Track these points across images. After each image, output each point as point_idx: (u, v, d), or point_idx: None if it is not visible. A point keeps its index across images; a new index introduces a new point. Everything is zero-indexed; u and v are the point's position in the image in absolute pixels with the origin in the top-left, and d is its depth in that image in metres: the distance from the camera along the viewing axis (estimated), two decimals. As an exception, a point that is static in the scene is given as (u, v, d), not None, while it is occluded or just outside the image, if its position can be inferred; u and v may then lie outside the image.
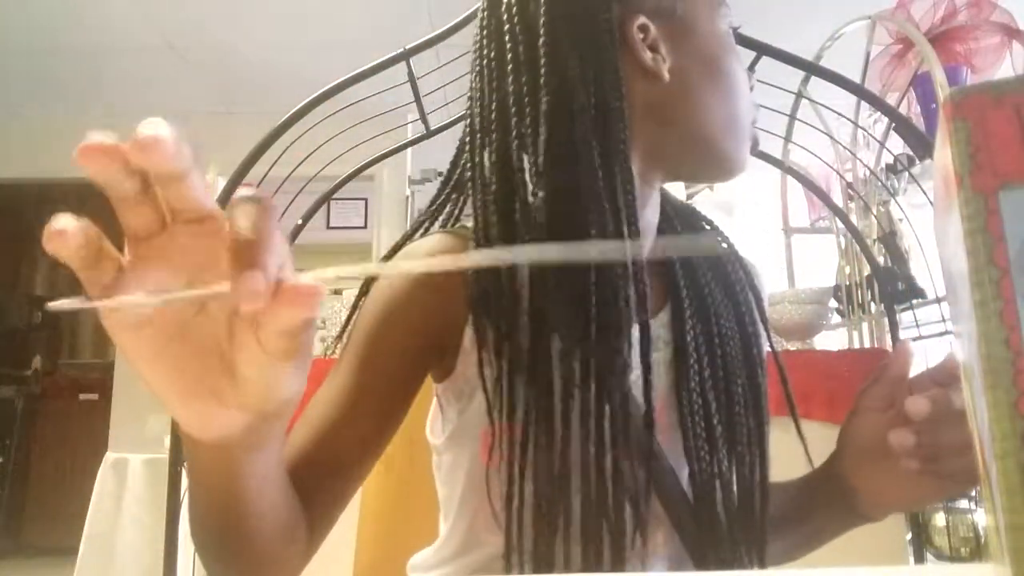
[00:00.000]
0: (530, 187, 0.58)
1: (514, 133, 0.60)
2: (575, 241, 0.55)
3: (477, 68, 0.65)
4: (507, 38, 0.62)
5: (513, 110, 0.61)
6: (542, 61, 0.60)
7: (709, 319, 0.66)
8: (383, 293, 0.62)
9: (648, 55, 0.62)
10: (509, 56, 0.62)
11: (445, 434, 0.66)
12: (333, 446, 0.58)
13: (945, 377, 0.57)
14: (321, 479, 0.58)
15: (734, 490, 0.63)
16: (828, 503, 0.67)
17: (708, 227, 0.75)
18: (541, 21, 0.61)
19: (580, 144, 0.58)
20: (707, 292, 0.68)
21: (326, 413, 0.59)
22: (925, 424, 0.54)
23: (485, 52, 0.64)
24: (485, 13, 0.66)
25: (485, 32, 0.65)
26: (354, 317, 0.65)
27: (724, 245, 0.73)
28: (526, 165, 0.59)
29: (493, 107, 0.62)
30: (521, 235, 0.58)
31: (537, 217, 0.57)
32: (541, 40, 0.61)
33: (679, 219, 0.73)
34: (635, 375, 0.62)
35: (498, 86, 0.63)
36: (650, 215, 0.68)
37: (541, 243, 0.55)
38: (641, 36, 0.62)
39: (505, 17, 0.63)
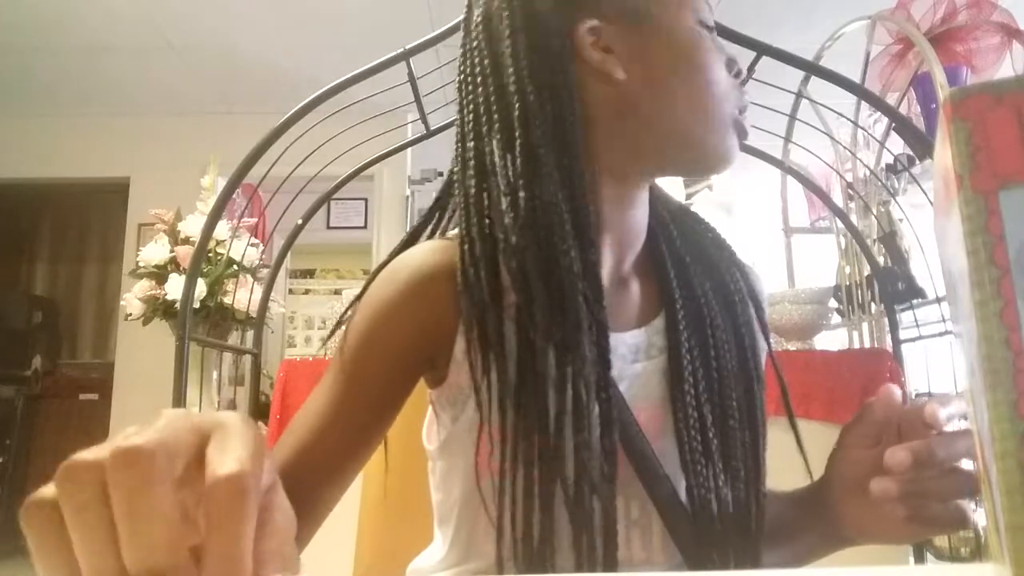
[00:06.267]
0: (502, 188, 0.60)
1: (485, 140, 0.63)
2: (541, 244, 0.58)
3: (458, 83, 0.68)
4: (476, 54, 0.66)
5: (484, 119, 0.64)
6: (505, 71, 0.63)
7: (704, 326, 0.66)
8: (373, 302, 0.63)
9: (597, 56, 0.63)
10: (478, 70, 0.65)
11: (439, 440, 0.66)
12: (318, 455, 0.59)
13: (930, 420, 0.55)
14: (306, 486, 0.59)
15: (730, 499, 0.62)
16: (816, 525, 0.66)
17: (707, 231, 0.74)
18: (505, 34, 0.64)
19: (538, 149, 0.60)
20: (702, 299, 0.67)
21: (312, 422, 0.60)
22: (909, 472, 0.53)
23: (463, 68, 0.68)
24: (463, 36, 0.69)
25: (463, 50, 0.68)
26: (344, 322, 0.65)
27: (722, 251, 0.72)
28: (499, 171, 0.61)
29: (470, 118, 0.65)
30: (499, 239, 0.59)
31: (507, 222, 0.59)
32: (503, 51, 0.64)
33: (675, 222, 0.73)
34: (625, 385, 0.62)
35: (473, 98, 0.65)
36: (638, 215, 0.67)
37: (514, 248, 0.58)
38: (592, 39, 0.63)
39: (475, 35, 0.67)
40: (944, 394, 0.55)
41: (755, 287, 0.72)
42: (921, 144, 1.55)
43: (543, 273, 0.57)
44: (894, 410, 0.58)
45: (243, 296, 1.84)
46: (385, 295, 0.62)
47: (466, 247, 0.60)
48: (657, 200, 0.73)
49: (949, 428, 0.54)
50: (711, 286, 0.69)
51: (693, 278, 0.68)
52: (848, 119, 1.95)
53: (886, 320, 1.74)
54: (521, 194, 0.59)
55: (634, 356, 0.65)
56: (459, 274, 0.60)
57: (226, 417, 0.30)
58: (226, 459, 0.27)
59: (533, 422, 0.56)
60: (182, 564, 0.26)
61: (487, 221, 0.61)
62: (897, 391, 0.58)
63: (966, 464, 0.52)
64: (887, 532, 0.60)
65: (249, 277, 1.92)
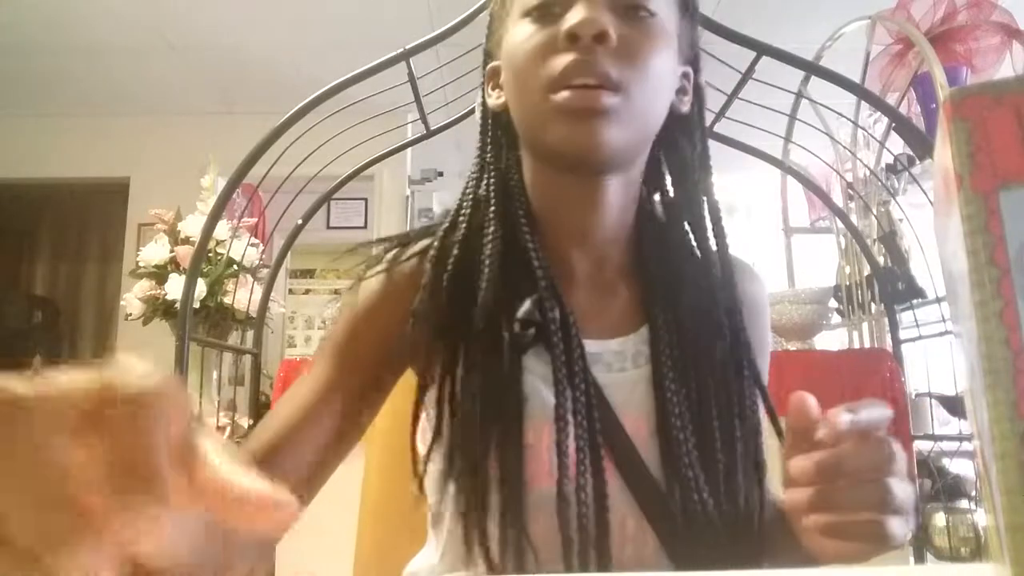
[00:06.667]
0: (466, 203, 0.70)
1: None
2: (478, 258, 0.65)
3: None
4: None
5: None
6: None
7: (687, 336, 0.65)
8: (358, 300, 0.66)
9: (488, 92, 0.71)
10: None
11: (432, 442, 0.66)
12: (296, 446, 0.61)
13: (833, 424, 0.49)
14: (286, 474, 0.60)
15: (721, 508, 0.61)
16: (788, 543, 0.65)
17: (705, 227, 0.72)
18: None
19: (488, 166, 0.71)
20: (687, 307, 0.66)
21: (292, 413, 0.62)
22: (818, 482, 0.50)
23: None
24: None
25: None
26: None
27: (714, 252, 0.69)
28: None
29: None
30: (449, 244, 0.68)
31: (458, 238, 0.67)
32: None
33: (667, 221, 0.71)
34: (611, 392, 0.62)
35: None
36: (608, 216, 0.66)
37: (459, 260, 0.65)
38: (491, 81, 0.71)
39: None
40: (864, 400, 0.51)
41: (749, 288, 0.70)
42: (921, 144, 1.55)
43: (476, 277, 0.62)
44: (807, 418, 0.51)
45: (243, 296, 1.84)
46: (370, 291, 0.67)
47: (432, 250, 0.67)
48: (651, 200, 0.72)
49: (874, 436, 0.49)
50: (698, 291, 0.67)
51: (677, 284, 0.67)
52: (848, 119, 1.95)
53: (886, 320, 1.73)
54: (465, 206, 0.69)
55: (620, 364, 0.64)
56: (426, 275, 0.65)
57: (129, 360, 0.24)
58: (125, 382, 0.23)
59: (472, 426, 0.59)
60: (80, 525, 0.21)
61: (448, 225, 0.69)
62: (809, 398, 0.51)
63: (887, 477, 0.48)
64: (818, 548, 0.52)
65: (249, 277, 1.92)
